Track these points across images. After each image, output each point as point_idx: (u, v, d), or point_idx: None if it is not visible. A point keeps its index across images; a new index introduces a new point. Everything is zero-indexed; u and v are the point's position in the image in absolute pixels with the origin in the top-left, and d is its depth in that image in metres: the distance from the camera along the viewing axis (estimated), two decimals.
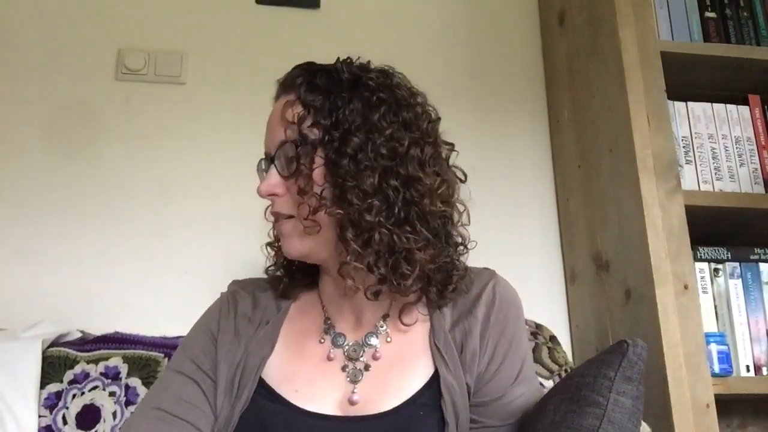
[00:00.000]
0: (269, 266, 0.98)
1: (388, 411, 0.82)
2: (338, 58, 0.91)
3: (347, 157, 0.81)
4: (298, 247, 0.86)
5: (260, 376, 0.86)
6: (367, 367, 0.86)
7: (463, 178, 0.91)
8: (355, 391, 0.84)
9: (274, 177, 0.86)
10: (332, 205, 0.82)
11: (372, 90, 0.85)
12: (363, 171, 0.81)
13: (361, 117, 0.83)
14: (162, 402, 0.86)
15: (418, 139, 0.85)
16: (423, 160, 0.84)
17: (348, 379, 0.86)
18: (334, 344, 0.89)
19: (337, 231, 0.83)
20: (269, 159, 0.88)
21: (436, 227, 0.85)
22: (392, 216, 0.82)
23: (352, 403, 0.83)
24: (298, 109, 0.85)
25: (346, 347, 0.88)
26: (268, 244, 0.97)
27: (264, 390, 0.85)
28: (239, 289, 0.97)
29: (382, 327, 0.89)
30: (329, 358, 0.88)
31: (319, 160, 0.83)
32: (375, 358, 0.87)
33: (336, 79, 0.86)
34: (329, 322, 0.91)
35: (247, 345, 0.89)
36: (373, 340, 0.88)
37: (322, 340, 0.90)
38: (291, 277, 0.95)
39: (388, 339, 0.89)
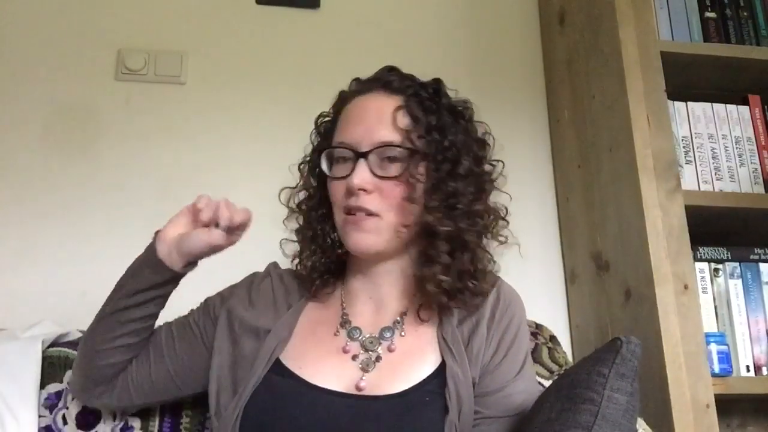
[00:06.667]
0: (299, 260, 1.00)
1: (395, 393, 0.85)
2: (437, 78, 0.97)
3: (459, 178, 0.90)
4: (373, 244, 0.90)
5: (278, 357, 0.90)
6: (378, 359, 0.89)
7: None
8: (363, 378, 0.87)
9: (366, 172, 0.88)
10: (444, 219, 0.88)
11: (467, 120, 0.95)
12: (474, 195, 0.91)
13: (466, 146, 0.92)
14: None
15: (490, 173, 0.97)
16: (488, 194, 0.96)
17: (359, 366, 0.89)
18: (351, 337, 0.92)
19: (430, 242, 0.90)
20: (358, 153, 0.89)
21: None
22: (481, 240, 0.93)
23: (359, 388, 0.86)
24: (407, 117, 0.90)
25: (362, 339, 0.92)
26: (308, 240, 0.99)
27: (279, 368, 0.89)
28: (283, 272, 1.03)
29: (398, 323, 0.93)
30: (345, 351, 0.91)
31: (422, 172, 0.89)
32: (390, 350, 0.91)
33: (437, 98, 0.93)
34: (346, 317, 0.95)
35: (273, 325, 0.93)
36: (389, 335, 0.92)
37: (337, 333, 0.93)
38: (322, 277, 0.98)
39: (402, 333, 0.92)
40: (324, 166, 0.94)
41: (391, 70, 0.98)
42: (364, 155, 0.89)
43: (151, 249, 0.93)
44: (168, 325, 1.01)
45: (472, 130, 0.96)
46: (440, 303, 0.90)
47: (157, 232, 0.93)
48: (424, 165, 0.90)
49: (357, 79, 0.99)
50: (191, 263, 0.93)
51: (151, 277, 0.92)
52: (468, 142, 0.93)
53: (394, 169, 0.89)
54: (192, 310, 1.03)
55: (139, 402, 1.00)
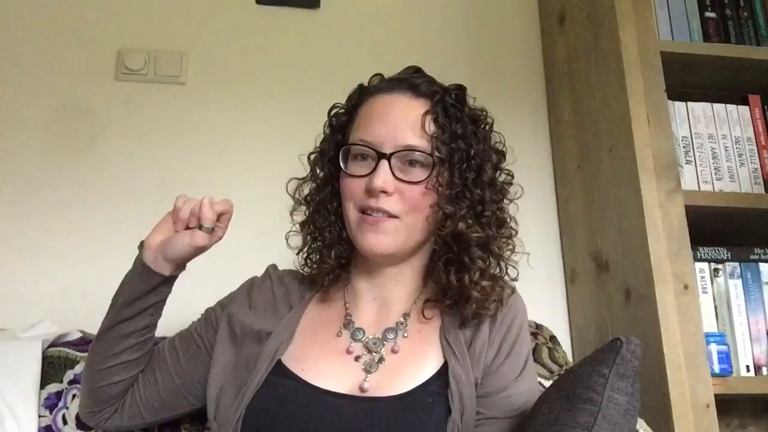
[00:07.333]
0: (306, 254, 1.00)
1: (397, 395, 0.85)
2: (461, 85, 0.97)
3: (484, 186, 0.91)
4: (387, 246, 0.90)
5: (279, 359, 0.90)
6: (381, 360, 0.89)
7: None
8: (367, 379, 0.87)
9: (389, 174, 0.88)
10: (474, 226, 0.90)
11: (486, 129, 0.96)
12: (497, 203, 0.93)
13: (487, 154, 0.93)
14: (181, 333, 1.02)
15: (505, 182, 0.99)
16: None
17: (363, 368, 0.89)
18: (354, 338, 0.92)
19: (463, 248, 0.90)
20: (381, 153, 0.89)
21: None
22: (507, 246, 0.95)
23: (363, 390, 0.86)
24: (434, 124, 0.90)
25: (366, 340, 0.92)
26: (312, 245, 1.00)
27: (280, 370, 0.89)
28: (283, 273, 1.04)
29: (402, 324, 0.93)
30: (348, 351, 0.91)
31: (446, 179, 0.89)
32: (393, 351, 0.91)
33: (461, 106, 0.94)
34: (349, 317, 0.95)
35: (274, 327, 0.93)
36: (392, 336, 0.92)
37: (340, 334, 0.93)
38: (333, 272, 0.97)
39: (405, 335, 0.92)
40: (340, 161, 0.94)
41: (417, 71, 0.97)
42: (387, 156, 0.88)
43: (137, 259, 0.93)
44: (170, 339, 1.01)
45: (491, 139, 0.97)
46: (475, 310, 0.90)
47: (142, 242, 0.93)
48: (447, 172, 0.90)
49: (380, 76, 0.98)
50: (179, 266, 0.93)
51: (141, 285, 0.92)
52: (488, 151, 0.94)
53: (416, 173, 0.89)
54: (193, 322, 1.03)
55: (151, 420, 0.99)
